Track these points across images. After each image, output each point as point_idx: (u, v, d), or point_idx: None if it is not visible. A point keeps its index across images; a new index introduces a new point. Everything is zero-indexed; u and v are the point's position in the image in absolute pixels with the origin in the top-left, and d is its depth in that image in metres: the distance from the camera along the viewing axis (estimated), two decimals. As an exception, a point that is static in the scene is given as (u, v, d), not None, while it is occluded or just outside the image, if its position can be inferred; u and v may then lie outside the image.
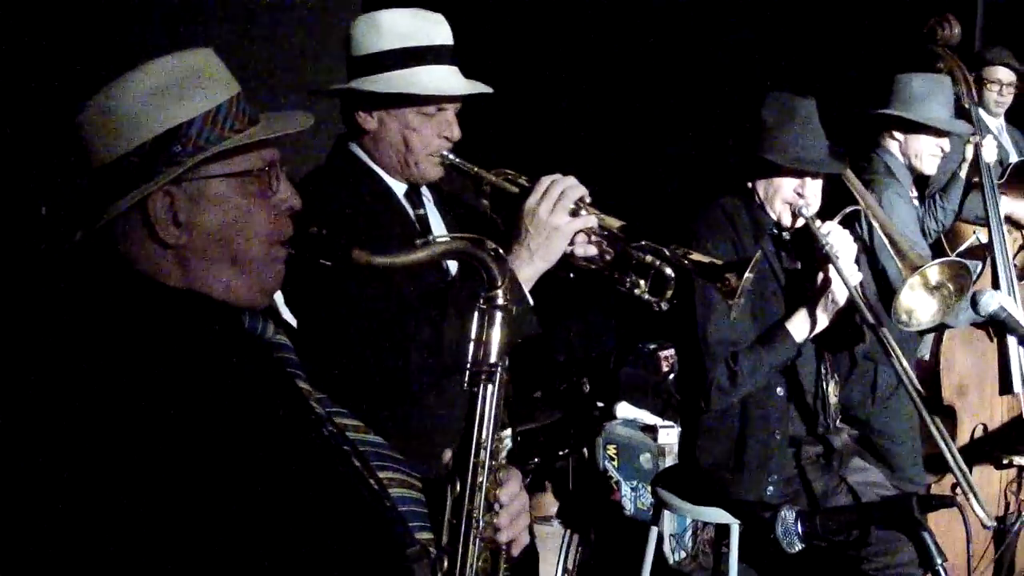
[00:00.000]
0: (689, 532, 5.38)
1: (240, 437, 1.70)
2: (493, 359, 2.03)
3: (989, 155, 4.84)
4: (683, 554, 5.37)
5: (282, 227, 1.92)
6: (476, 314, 2.05)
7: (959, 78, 4.81)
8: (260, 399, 1.81)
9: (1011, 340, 4.29)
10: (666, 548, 5.30)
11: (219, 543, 1.62)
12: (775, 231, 3.74)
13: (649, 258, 2.67)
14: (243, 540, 1.64)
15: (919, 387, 3.49)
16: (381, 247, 1.94)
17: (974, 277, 3.80)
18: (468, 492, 2.00)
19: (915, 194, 4.90)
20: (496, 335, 2.04)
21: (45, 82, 3.91)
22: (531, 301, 2.66)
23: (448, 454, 2.06)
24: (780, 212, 3.68)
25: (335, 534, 1.78)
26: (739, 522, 3.80)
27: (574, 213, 2.68)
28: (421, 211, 2.96)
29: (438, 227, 3.00)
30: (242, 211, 1.86)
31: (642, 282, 2.71)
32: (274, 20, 5.66)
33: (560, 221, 2.64)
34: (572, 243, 2.72)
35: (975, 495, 3.28)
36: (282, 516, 1.69)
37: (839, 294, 3.50)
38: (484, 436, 2.02)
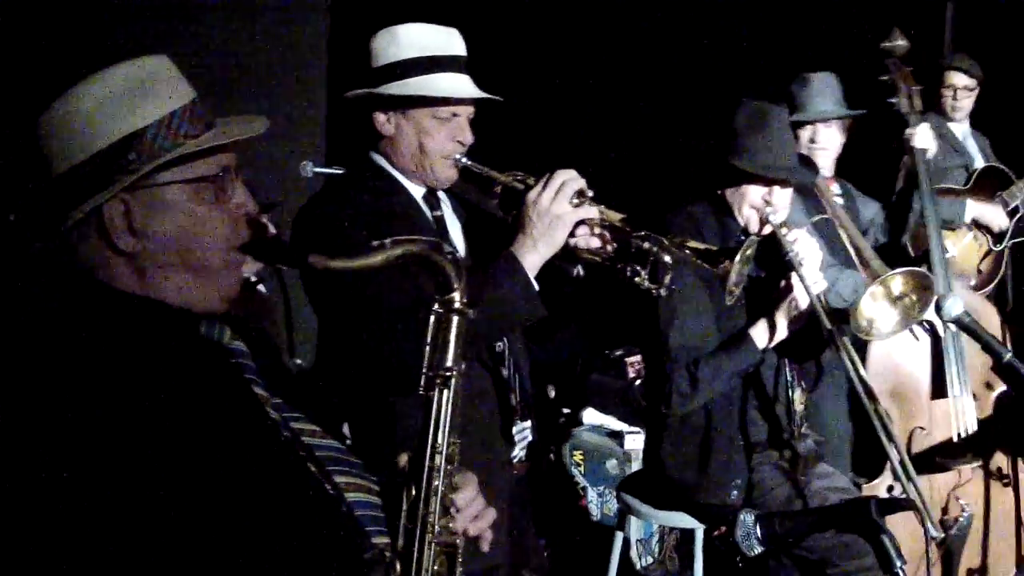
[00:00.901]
0: (656, 537, 5.41)
1: (194, 443, 1.71)
2: (449, 363, 2.05)
3: (922, 142, 4.82)
4: (650, 559, 5.41)
5: (239, 232, 1.93)
6: (432, 318, 2.08)
7: (901, 90, 4.88)
8: (214, 405, 1.82)
9: (947, 344, 4.36)
10: (633, 554, 5.35)
11: (174, 548, 1.63)
12: (742, 238, 3.75)
13: (648, 246, 2.81)
14: (198, 545, 1.66)
15: (876, 397, 3.58)
16: (338, 251, 1.98)
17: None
18: (424, 496, 2.02)
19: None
20: (452, 339, 2.06)
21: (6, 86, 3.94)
22: (536, 286, 2.82)
23: (404, 458, 2.09)
24: (748, 218, 3.73)
25: (290, 539, 1.79)
26: (703, 527, 3.87)
27: (576, 204, 2.84)
28: (438, 213, 3.12)
29: (454, 228, 3.17)
30: (197, 217, 1.87)
31: (642, 271, 2.84)
32: (237, 24, 5.70)
33: (562, 210, 2.80)
34: (574, 234, 2.88)
35: (925, 507, 3.34)
36: (237, 521, 1.71)
37: (801, 301, 3.55)
38: (440, 440, 2.04)
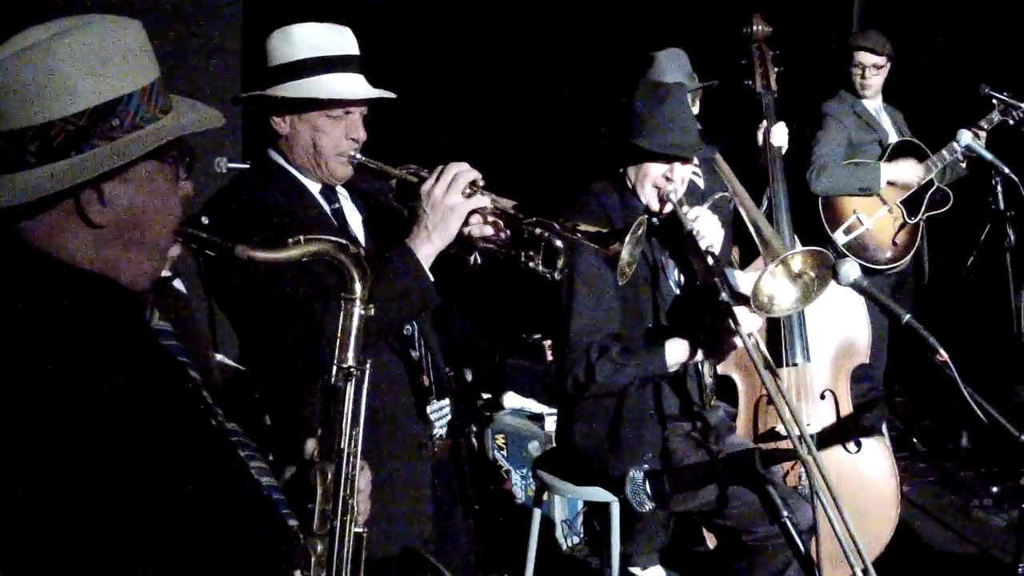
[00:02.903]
0: (580, 517, 5.55)
1: (136, 420, 1.72)
2: (351, 361, 2.19)
3: (779, 140, 5.12)
4: (576, 540, 5.56)
5: (180, 214, 1.98)
6: (340, 314, 2.22)
7: (757, 72, 5.14)
8: (157, 384, 1.85)
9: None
10: (558, 534, 5.50)
11: (107, 525, 1.66)
12: (646, 216, 3.84)
13: (539, 231, 2.92)
14: (130, 523, 1.68)
15: (772, 366, 3.75)
16: (261, 243, 2.09)
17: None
18: (343, 480, 2.14)
19: None
20: (353, 337, 2.20)
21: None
22: (431, 277, 2.92)
23: (311, 444, 2.20)
24: (649, 197, 3.87)
25: (223, 519, 1.85)
26: (618, 499, 3.95)
27: (468, 195, 2.94)
28: (336, 206, 3.24)
29: (354, 220, 3.28)
30: (159, 195, 1.90)
31: (536, 256, 2.93)
32: (152, 17, 5.78)
33: (454, 201, 2.91)
34: (468, 223, 2.98)
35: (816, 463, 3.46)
36: (172, 501, 1.73)
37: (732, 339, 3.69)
38: (355, 427, 2.18)
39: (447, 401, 3.35)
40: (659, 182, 3.86)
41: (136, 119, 1.82)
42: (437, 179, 2.94)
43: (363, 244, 3.23)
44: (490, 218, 3.02)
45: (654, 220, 3.96)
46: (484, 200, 2.97)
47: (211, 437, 1.99)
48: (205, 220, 2.57)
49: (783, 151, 5.13)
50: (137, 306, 1.96)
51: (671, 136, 3.84)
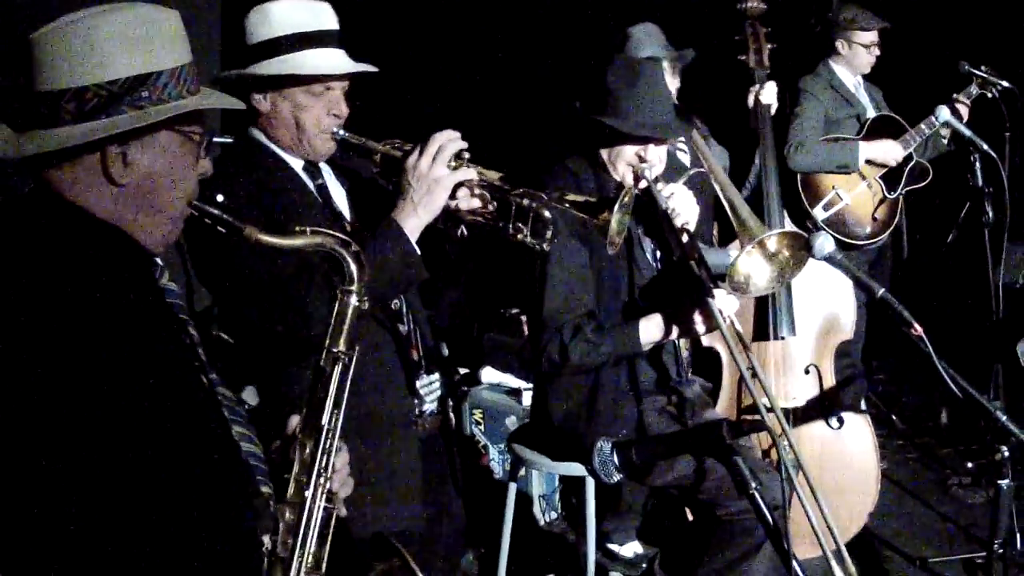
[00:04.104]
0: (558, 492, 5.62)
1: (131, 359, 1.90)
2: (342, 346, 2.33)
3: (768, 97, 5.18)
4: (553, 515, 5.62)
5: (196, 188, 2.18)
6: (336, 303, 2.35)
7: (750, 48, 5.22)
8: (163, 340, 2.04)
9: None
10: (536, 509, 5.57)
11: (105, 466, 1.83)
12: (632, 184, 3.86)
13: (527, 203, 2.94)
14: (106, 452, 1.83)
15: (747, 346, 3.81)
16: (269, 227, 2.22)
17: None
18: (320, 454, 2.28)
19: None
20: (346, 325, 2.34)
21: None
22: (418, 251, 2.94)
23: (295, 420, 2.34)
24: (623, 175, 3.88)
25: (198, 472, 1.98)
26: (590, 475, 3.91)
27: (455, 167, 2.96)
28: (320, 182, 3.25)
29: (338, 196, 3.29)
30: (178, 166, 2.10)
31: (524, 227, 2.96)
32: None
33: (440, 173, 2.93)
34: (455, 196, 3.01)
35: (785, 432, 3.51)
36: (151, 444, 1.88)
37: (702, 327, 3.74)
38: (337, 408, 2.31)
39: (437, 376, 3.38)
40: (632, 160, 3.87)
41: (163, 94, 2.03)
42: (422, 151, 2.96)
43: (348, 219, 3.25)
44: (476, 190, 3.04)
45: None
46: (470, 172, 2.99)
47: (199, 393, 2.13)
48: (220, 198, 2.62)
49: (772, 109, 5.18)
50: (148, 262, 2.14)
51: (644, 115, 3.84)
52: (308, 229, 2.28)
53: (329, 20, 3.16)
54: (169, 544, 1.90)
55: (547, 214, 2.94)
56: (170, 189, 2.10)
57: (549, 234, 2.96)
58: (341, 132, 3.15)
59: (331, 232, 2.33)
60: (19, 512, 1.82)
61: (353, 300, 2.35)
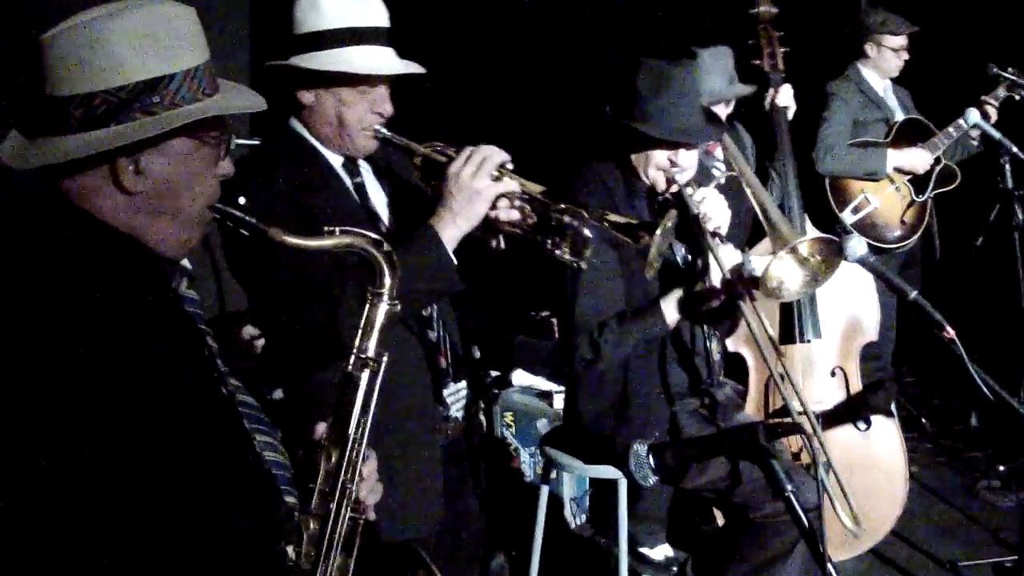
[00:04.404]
0: (588, 495, 5.62)
1: (156, 381, 1.84)
2: (371, 352, 2.26)
3: (784, 99, 5.18)
4: (584, 518, 5.62)
5: (217, 194, 2.09)
6: (367, 306, 2.29)
7: (764, 52, 5.24)
8: (175, 345, 1.96)
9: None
10: (566, 512, 5.56)
11: (125, 475, 1.78)
12: (646, 198, 3.93)
13: (568, 220, 2.91)
14: (124, 468, 1.78)
15: (780, 350, 3.80)
16: (295, 228, 2.16)
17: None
18: (345, 464, 2.21)
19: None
20: (376, 329, 2.28)
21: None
22: (454, 261, 2.89)
23: (321, 427, 2.27)
24: (654, 179, 3.86)
25: (223, 487, 1.93)
26: (626, 477, 4.00)
27: (496, 178, 2.91)
28: (358, 179, 3.19)
29: (376, 196, 3.24)
30: (194, 171, 2.01)
31: (563, 244, 2.94)
32: None
33: (482, 184, 2.88)
34: (495, 207, 2.95)
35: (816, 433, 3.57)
36: (169, 457, 1.83)
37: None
38: (364, 415, 2.25)
39: (464, 384, 3.34)
40: (664, 165, 3.84)
41: (176, 98, 1.95)
42: (466, 161, 2.91)
43: (385, 220, 3.22)
44: (517, 202, 3.01)
45: (659, 197, 3.94)
46: (513, 184, 2.96)
47: (218, 404, 2.07)
48: (242, 200, 2.60)
49: (789, 113, 5.18)
50: (163, 270, 2.07)
51: (675, 120, 3.80)
52: (337, 229, 2.21)
53: (380, 16, 3.09)
54: (189, 559, 1.86)
55: (587, 232, 2.92)
56: (187, 195, 2.02)
57: (588, 253, 2.95)
58: (383, 131, 3.10)
59: (361, 232, 2.27)
60: (36, 530, 1.76)
61: (384, 303, 2.29)
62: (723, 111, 4.92)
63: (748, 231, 4.40)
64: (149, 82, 1.92)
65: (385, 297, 2.29)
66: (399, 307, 2.33)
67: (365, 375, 2.26)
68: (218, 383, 2.11)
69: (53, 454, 1.75)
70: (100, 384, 1.77)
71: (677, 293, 3.77)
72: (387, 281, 2.29)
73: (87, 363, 1.77)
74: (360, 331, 2.29)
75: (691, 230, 3.81)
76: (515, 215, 3.02)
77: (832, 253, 3.66)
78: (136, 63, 1.91)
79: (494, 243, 3.14)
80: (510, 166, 2.97)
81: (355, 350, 2.27)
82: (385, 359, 2.29)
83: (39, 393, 1.75)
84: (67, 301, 1.82)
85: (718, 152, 4.82)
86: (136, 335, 1.85)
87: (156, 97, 1.93)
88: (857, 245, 3.30)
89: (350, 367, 2.27)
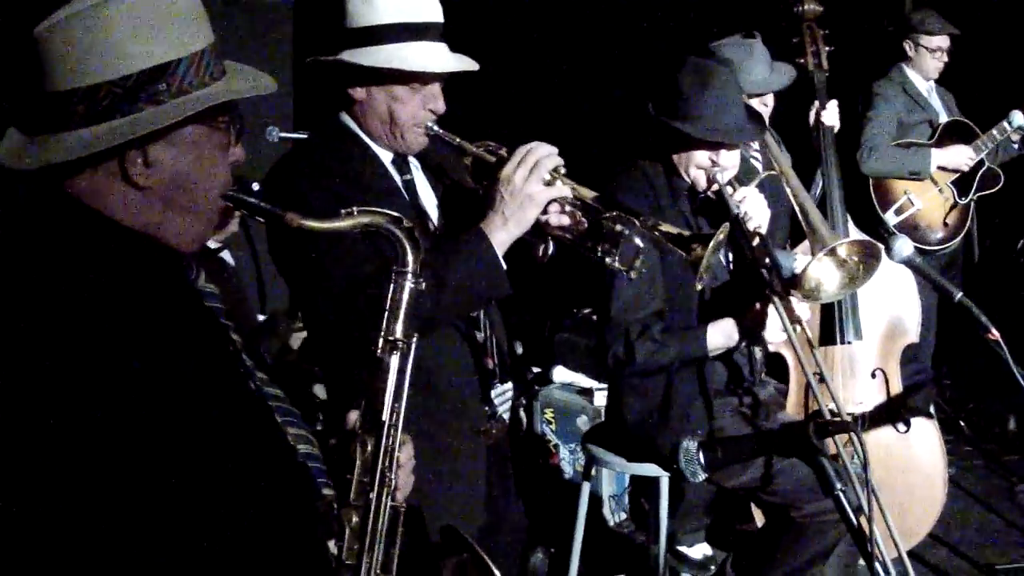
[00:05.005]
0: (627, 492, 5.62)
1: (182, 380, 1.78)
2: (399, 333, 2.19)
3: (830, 119, 5.15)
4: (623, 515, 5.63)
5: (230, 181, 2.01)
6: (391, 286, 2.22)
7: (808, 51, 5.21)
8: (203, 347, 1.91)
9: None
10: (605, 510, 5.57)
11: (154, 479, 1.71)
12: (687, 195, 3.96)
13: (619, 228, 2.87)
14: (171, 480, 1.72)
15: (816, 352, 3.80)
16: (313, 212, 2.09)
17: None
18: (382, 452, 2.15)
19: None
20: (403, 310, 2.21)
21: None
22: (504, 265, 2.86)
23: (353, 415, 2.20)
24: (695, 178, 3.88)
25: (256, 485, 1.87)
26: (668, 474, 4.07)
27: (549, 183, 2.87)
28: (408, 177, 3.15)
29: (425, 193, 3.19)
30: (204, 160, 1.92)
31: (613, 251, 2.90)
32: None
33: (534, 189, 2.84)
34: (546, 212, 2.92)
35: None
36: (200, 458, 1.77)
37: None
38: (397, 400, 2.18)
39: (510, 385, 3.32)
40: (705, 164, 3.85)
41: (183, 84, 1.85)
42: (519, 164, 2.87)
43: (434, 219, 3.19)
44: (568, 207, 2.98)
45: (700, 196, 3.96)
46: (565, 189, 2.92)
47: (246, 399, 2.01)
48: (256, 187, 2.57)
49: (835, 131, 5.18)
50: (181, 266, 2.02)
51: (717, 120, 3.81)
52: (355, 209, 2.13)
53: (435, 12, 3.05)
54: (225, 558, 1.80)
55: (638, 241, 2.90)
56: (200, 185, 1.93)
57: (639, 263, 2.92)
58: (435, 128, 3.05)
59: (380, 210, 2.19)
60: (60, 530, 1.68)
61: (408, 282, 2.22)
62: (765, 111, 4.90)
63: (787, 231, 4.41)
64: (154, 70, 1.83)
65: (409, 276, 2.22)
66: (423, 285, 2.26)
67: (395, 358, 2.20)
68: (245, 377, 2.06)
69: (78, 458, 1.67)
70: (122, 389, 1.70)
71: (725, 324, 3.80)
72: (410, 259, 2.22)
73: (108, 370, 1.70)
74: (385, 312, 2.22)
75: (732, 229, 3.79)
76: (566, 220, 3.00)
77: (871, 255, 3.69)
78: (139, 50, 1.81)
79: (543, 248, 3.14)
80: (563, 170, 2.93)
81: (382, 333, 2.21)
82: (414, 340, 2.23)
83: (64, 401, 1.67)
84: (84, 309, 1.74)
85: (754, 143, 4.84)
86: (157, 338, 1.78)
87: (163, 85, 1.83)
88: (903, 246, 3.32)
89: (379, 351, 2.20)
